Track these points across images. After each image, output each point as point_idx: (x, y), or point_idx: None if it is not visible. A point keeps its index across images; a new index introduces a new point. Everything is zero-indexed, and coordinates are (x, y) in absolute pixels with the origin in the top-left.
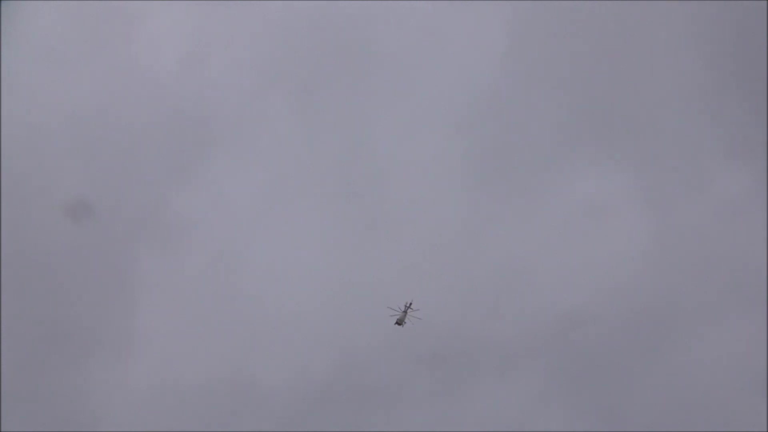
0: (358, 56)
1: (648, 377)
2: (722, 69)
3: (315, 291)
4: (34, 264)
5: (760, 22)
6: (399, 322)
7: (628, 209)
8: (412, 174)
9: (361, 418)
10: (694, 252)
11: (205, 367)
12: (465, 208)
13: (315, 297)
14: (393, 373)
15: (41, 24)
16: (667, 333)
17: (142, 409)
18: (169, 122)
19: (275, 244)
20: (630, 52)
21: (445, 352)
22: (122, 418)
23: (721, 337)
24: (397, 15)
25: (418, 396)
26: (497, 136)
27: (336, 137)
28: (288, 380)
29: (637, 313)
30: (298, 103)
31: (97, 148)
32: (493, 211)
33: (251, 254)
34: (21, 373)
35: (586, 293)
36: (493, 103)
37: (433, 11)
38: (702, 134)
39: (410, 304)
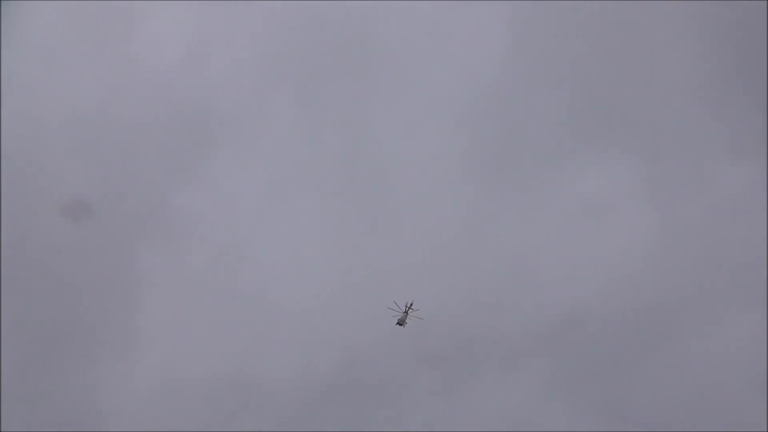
0: (359, 55)
1: (650, 374)
2: (724, 67)
3: (317, 289)
4: (36, 263)
5: (762, 20)
6: (400, 323)
7: (630, 206)
8: (414, 172)
9: (364, 415)
10: (696, 249)
11: (208, 364)
12: (467, 205)
13: (317, 295)
14: (395, 371)
15: (42, 24)
16: (669, 330)
17: (145, 406)
18: (170, 121)
19: (277, 242)
20: (632, 51)
21: (448, 350)
22: (126, 416)
23: (723, 333)
24: (398, 14)
25: (421, 394)
26: (499, 135)
27: (337, 135)
28: (290, 378)
29: (639, 310)
30: (300, 102)
31: (98, 147)
32: (495, 208)
33: (253, 252)
34: (24, 371)
35: (588, 290)
36: (495, 101)
37: (433, 10)
38: (704, 132)
39: (411, 304)
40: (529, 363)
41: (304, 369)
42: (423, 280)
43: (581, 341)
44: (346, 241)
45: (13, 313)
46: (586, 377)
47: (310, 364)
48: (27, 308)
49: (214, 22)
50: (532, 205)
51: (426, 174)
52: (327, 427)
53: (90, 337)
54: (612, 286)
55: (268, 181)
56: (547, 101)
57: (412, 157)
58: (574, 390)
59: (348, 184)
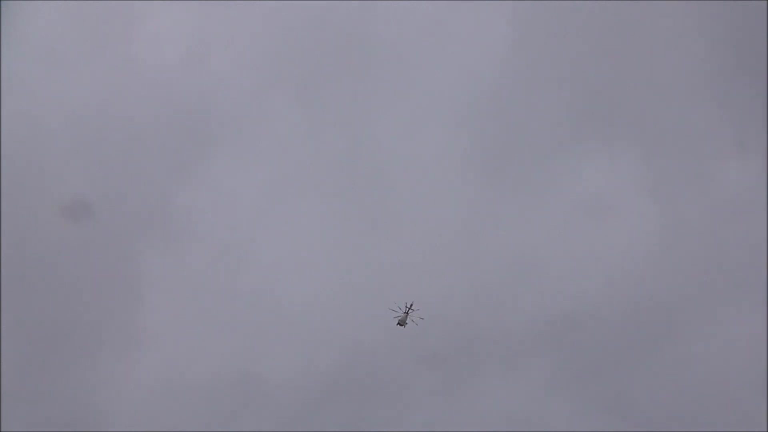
0: (359, 54)
1: (652, 372)
2: (726, 63)
3: (318, 288)
4: (36, 263)
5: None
6: (401, 323)
7: (631, 205)
8: (415, 171)
9: (365, 415)
10: (698, 246)
11: (209, 364)
12: (468, 204)
13: (318, 294)
14: (396, 370)
15: (42, 23)
16: (671, 328)
17: (147, 405)
18: (171, 120)
19: (278, 241)
20: (632, 50)
21: (449, 349)
22: (127, 415)
23: (725, 331)
24: (399, 14)
25: (422, 393)
26: (499, 133)
27: (338, 135)
28: (291, 377)
29: (640, 308)
30: (301, 101)
31: (99, 146)
32: (495, 207)
33: (254, 251)
34: (25, 370)
35: (589, 289)
36: (496, 100)
37: (434, 10)
38: (706, 129)
39: (411, 305)
40: (530, 362)
41: (305, 368)
42: (424, 279)
43: (582, 340)
44: (347, 240)
45: (14, 313)
46: (587, 376)
47: (311, 363)
48: (28, 308)
49: (215, 22)
50: (533, 204)
51: (426, 173)
52: (328, 426)
53: (91, 337)
54: (613, 285)
55: (269, 181)
56: (547, 99)
57: (412, 155)
58: (576, 389)
59: (349, 183)
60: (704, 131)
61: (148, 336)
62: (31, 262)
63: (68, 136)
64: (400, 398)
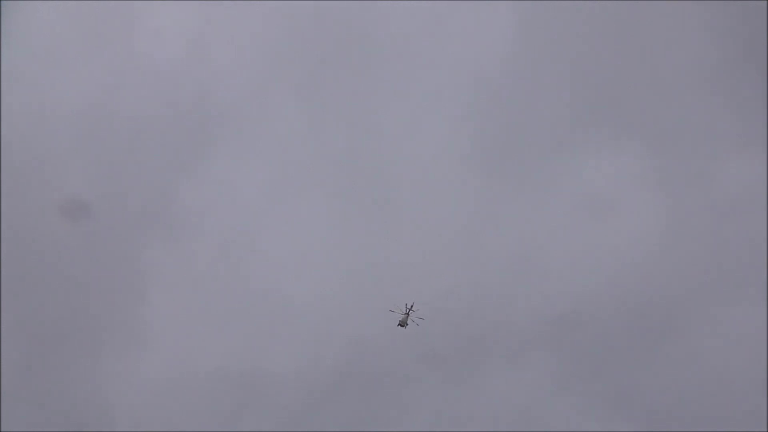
0: (361, 50)
1: (657, 367)
2: (731, 58)
3: (322, 284)
4: (39, 259)
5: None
6: (401, 324)
7: (635, 200)
8: (418, 166)
9: (371, 409)
10: (703, 241)
11: (213, 359)
12: (471, 200)
13: (322, 289)
14: (402, 366)
15: (43, 21)
16: (675, 323)
17: (151, 401)
18: (173, 117)
19: (282, 236)
20: (636, 45)
21: (454, 345)
22: (131, 411)
23: (731, 326)
24: (400, 10)
25: (428, 388)
26: (503, 129)
27: (340, 131)
28: (297, 372)
29: (645, 303)
30: (303, 98)
31: (102, 143)
32: (499, 203)
33: (258, 247)
34: (29, 366)
35: (594, 284)
36: (499, 95)
37: (436, 5)
38: (710, 124)
39: (411, 305)
40: (534, 359)
41: (309, 364)
42: (426, 276)
43: (586, 336)
44: (350, 236)
45: (15, 310)
46: (591, 373)
47: (315, 359)
48: (29, 305)
49: (216, 19)
50: (536, 201)
51: (430, 168)
52: (332, 423)
53: (94, 334)
54: (616, 282)
55: (271, 177)
56: (550, 96)
57: (414, 152)
58: (579, 386)
59: (351, 180)
60: (707, 128)
61: (151, 333)
62: (32, 260)
63: (70, 133)
64: (405, 395)
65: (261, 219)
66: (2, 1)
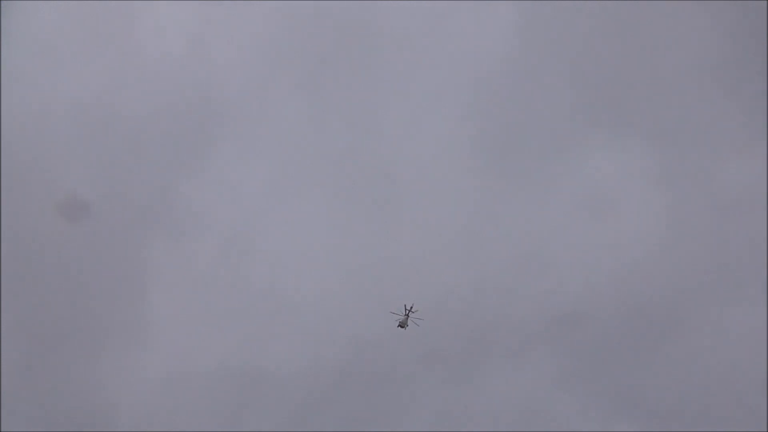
0: (364, 48)
1: (658, 364)
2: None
3: (324, 280)
4: (42, 257)
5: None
6: (401, 325)
7: (637, 196)
8: (420, 162)
9: (373, 407)
10: (706, 237)
11: (216, 356)
12: (474, 197)
13: (324, 286)
14: (405, 362)
15: (44, 19)
16: (677, 320)
17: (154, 398)
18: (175, 114)
19: (283, 233)
20: (638, 43)
21: (456, 342)
22: (134, 407)
23: (732, 322)
24: (403, 6)
25: (430, 384)
26: (505, 125)
27: (342, 128)
28: (299, 368)
29: (646, 301)
30: (304, 95)
31: (104, 140)
32: (502, 200)
33: (260, 243)
34: (32, 363)
35: (596, 280)
36: (502, 91)
37: (437, 3)
38: (713, 121)
39: (411, 307)
40: (536, 356)
41: (311, 361)
42: (429, 273)
43: (588, 333)
44: (352, 234)
45: (18, 308)
46: (593, 369)
47: (317, 356)
48: (31, 303)
49: (217, 17)
50: (538, 199)
51: (430, 167)
52: (335, 420)
53: (96, 332)
54: (618, 279)
55: (272, 175)
56: (552, 94)
57: (418, 147)
58: (582, 382)
59: (353, 176)
60: (708, 127)
61: (152, 332)
62: (34, 257)
63: (71, 132)
64: (406, 394)
65: (262, 218)
66: (2, 1)
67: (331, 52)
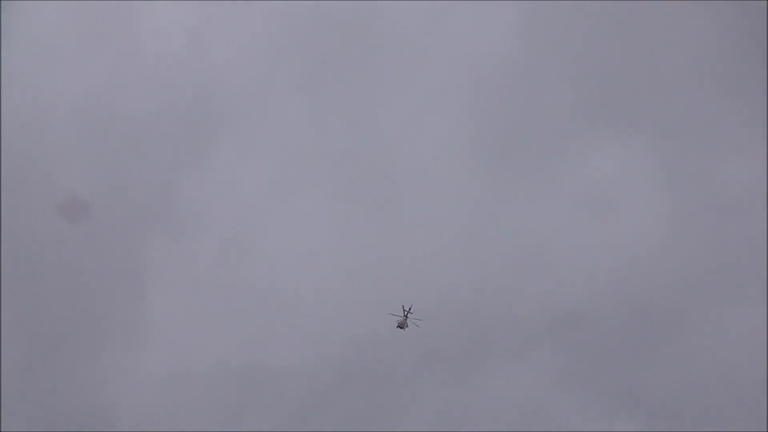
0: (364, 45)
1: (659, 362)
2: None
3: (325, 278)
4: (42, 255)
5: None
6: (401, 326)
7: (639, 193)
8: (421, 160)
9: (374, 404)
10: (707, 236)
11: (216, 355)
12: (475, 196)
13: (325, 284)
14: (405, 360)
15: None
16: (678, 319)
17: (155, 397)
18: (176, 113)
19: (284, 231)
20: (640, 41)
21: (458, 340)
22: (136, 406)
23: (733, 320)
24: (404, 5)
25: (432, 383)
26: (506, 123)
27: (343, 125)
28: (300, 366)
29: (648, 299)
30: (305, 94)
31: (104, 140)
32: (503, 198)
33: (261, 242)
34: (33, 362)
35: (598, 277)
36: (503, 88)
37: (437, 2)
38: (714, 120)
39: (410, 308)
40: (539, 352)
41: (313, 358)
42: (431, 270)
43: (590, 331)
44: (353, 231)
45: (18, 307)
46: (595, 366)
47: (318, 353)
48: (31, 302)
49: (218, 16)
50: (539, 198)
51: (432, 164)
52: (336, 418)
53: (97, 331)
54: (619, 278)
55: (273, 172)
56: (553, 91)
57: (419, 144)
58: (583, 382)
59: (353, 176)
60: (709, 126)
61: (152, 331)
62: (34, 257)
63: (71, 130)
64: (407, 393)
65: (262, 217)
66: (2, 1)
67: (331, 51)
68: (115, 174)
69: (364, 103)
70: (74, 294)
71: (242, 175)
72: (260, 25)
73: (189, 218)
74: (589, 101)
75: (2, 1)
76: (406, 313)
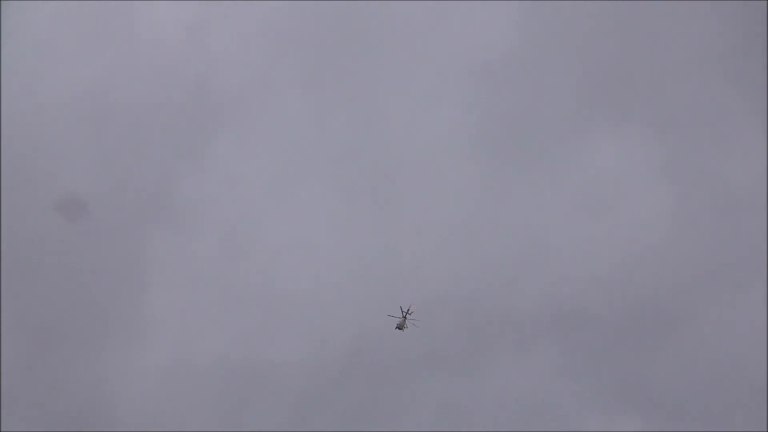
0: (365, 39)
1: (661, 354)
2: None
3: (326, 272)
4: (43, 251)
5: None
6: (400, 327)
7: (642, 183)
8: (424, 152)
9: (377, 397)
10: (711, 229)
11: (217, 350)
12: (478, 188)
13: (326, 278)
14: (407, 355)
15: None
16: (680, 311)
17: (157, 392)
18: (177, 107)
19: (286, 224)
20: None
21: (461, 331)
22: (138, 401)
23: (736, 312)
24: None
25: (435, 376)
26: (509, 117)
27: (345, 119)
28: (302, 361)
29: (651, 291)
30: (306, 87)
31: (104, 134)
32: (505, 193)
33: (261, 238)
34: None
35: (600, 270)
36: (505, 79)
37: None
38: (719, 112)
39: (409, 309)
40: (541, 348)
41: (313, 354)
42: (432, 266)
43: (592, 325)
44: (354, 226)
45: (19, 302)
46: (597, 362)
47: (320, 347)
48: (32, 297)
49: (218, 10)
50: (542, 191)
51: (434, 159)
52: (337, 411)
53: (98, 326)
54: (623, 271)
55: (274, 168)
56: (555, 86)
57: (419, 141)
58: (586, 374)
59: (356, 167)
60: (713, 120)
61: (153, 326)
62: (33, 253)
63: (71, 127)
64: (409, 386)
65: (262, 213)
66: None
67: (331, 48)
68: (116, 171)
69: (364, 99)
70: (74, 291)
71: (242, 172)
72: (260, 21)
73: (189, 215)
74: (589, 98)
75: (2, 1)
76: (404, 314)
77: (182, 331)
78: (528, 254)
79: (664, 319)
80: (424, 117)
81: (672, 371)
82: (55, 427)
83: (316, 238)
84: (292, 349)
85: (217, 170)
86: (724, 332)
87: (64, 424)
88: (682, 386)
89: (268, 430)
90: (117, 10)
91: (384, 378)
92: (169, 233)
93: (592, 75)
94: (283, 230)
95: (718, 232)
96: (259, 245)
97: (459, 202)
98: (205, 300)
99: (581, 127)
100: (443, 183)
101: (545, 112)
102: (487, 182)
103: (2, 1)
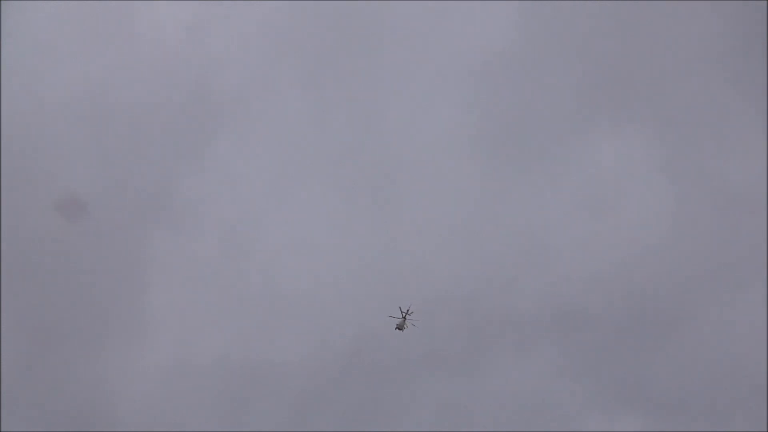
0: (365, 39)
1: (661, 354)
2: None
3: (326, 272)
4: (43, 251)
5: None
6: (399, 328)
7: (642, 182)
8: (424, 151)
9: (374, 400)
10: (711, 228)
11: (217, 349)
12: (478, 187)
13: (327, 276)
14: (407, 355)
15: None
16: (680, 311)
17: (157, 391)
18: (177, 107)
19: (286, 224)
20: (643, 27)
21: (461, 331)
22: (138, 401)
23: (736, 311)
24: None
25: (435, 376)
26: (509, 116)
27: (345, 118)
28: (302, 360)
29: (651, 291)
30: (306, 87)
31: (104, 134)
32: (505, 192)
33: (261, 237)
34: (35, 357)
35: (600, 269)
36: (506, 78)
37: None
38: (720, 111)
39: (408, 309)
40: (541, 347)
41: (313, 354)
42: (432, 265)
43: (593, 325)
44: (356, 222)
45: (19, 302)
46: (597, 361)
47: (319, 348)
48: (33, 297)
49: (218, 9)
50: (543, 190)
51: (434, 159)
52: (338, 411)
53: (98, 325)
54: (623, 270)
55: (274, 167)
56: (555, 85)
57: (419, 141)
58: (586, 374)
59: (355, 168)
60: (714, 119)
61: (153, 325)
62: (33, 253)
63: (71, 127)
64: (409, 386)
65: (262, 212)
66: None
67: (331, 47)
68: (116, 171)
69: (364, 99)
70: (74, 291)
71: (242, 172)
72: (260, 21)
73: (189, 215)
74: (589, 98)
75: (2, 1)
76: (404, 314)
77: (182, 331)
78: (528, 254)
79: (664, 319)
80: (424, 117)
81: (672, 371)
82: (55, 427)
83: (316, 238)
84: (292, 349)
85: (217, 170)
86: (724, 332)
87: (64, 424)
88: (682, 386)
89: (268, 430)
90: (117, 10)
91: (384, 378)
92: (169, 233)
93: (592, 75)
94: (283, 230)
95: (718, 232)
96: (259, 245)
97: (459, 202)
98: (205, 300)
99: (581, 127)
100: (443, 183)
101: (545, 112)
102: (487, 182)
103: (2, 1)
